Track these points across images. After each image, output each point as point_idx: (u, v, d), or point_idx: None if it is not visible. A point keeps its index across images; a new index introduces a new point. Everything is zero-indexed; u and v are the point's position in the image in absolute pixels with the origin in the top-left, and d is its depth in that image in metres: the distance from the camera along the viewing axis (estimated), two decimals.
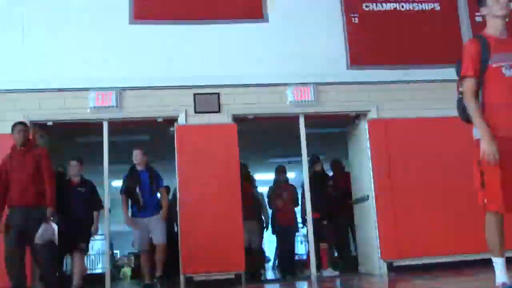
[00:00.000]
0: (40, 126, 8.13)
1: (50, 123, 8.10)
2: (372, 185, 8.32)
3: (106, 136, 8.13)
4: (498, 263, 3.85)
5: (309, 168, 9.00)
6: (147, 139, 9.10)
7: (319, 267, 8.94)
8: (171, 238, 8.37)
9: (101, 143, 8.09)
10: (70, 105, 8.07)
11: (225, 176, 8.00)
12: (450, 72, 8.50)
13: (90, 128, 8.28)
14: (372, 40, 8.77)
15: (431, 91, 8.60)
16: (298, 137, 8.58)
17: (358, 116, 8.76)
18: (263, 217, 9.80)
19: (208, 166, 7.96)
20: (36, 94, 8.05)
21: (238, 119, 8.36)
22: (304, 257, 11.30)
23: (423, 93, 8.61)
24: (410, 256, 8.13)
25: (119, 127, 8.36)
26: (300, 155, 8.63)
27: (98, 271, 17.21)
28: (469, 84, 3.97)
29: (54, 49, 8.12)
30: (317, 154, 9.82)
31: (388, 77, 8.64)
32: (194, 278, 7.77)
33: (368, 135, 8.50)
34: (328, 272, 8.87)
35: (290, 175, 14.28)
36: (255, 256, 9.21)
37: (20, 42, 8.10)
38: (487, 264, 4.12)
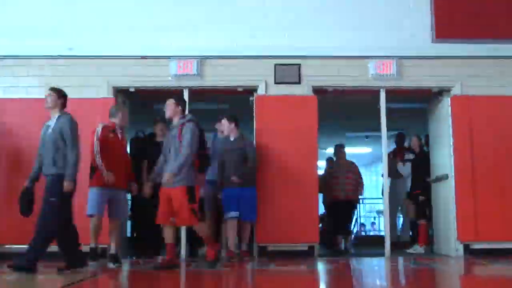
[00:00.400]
0: (123, 92, 8.31)
1: (132, 89, 8.28)
2: (452, 164, 8.10)
3: (187, 103, 8.22)
4: None
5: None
6: (227, 107, 9.15)
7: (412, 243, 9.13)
8: None
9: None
10: (152, 73, 8.21)
11: (303, 147, 7.97)
12: None
13: (171, 95, 8.39)
14: (460, 12, 8.45)
15: None
16: (378, 111, 8.44)
17: (441, 92, 8.51)
18: None
19: (287, 137, 7.95)
20: (119, 61, 8.23)
21: (318, 91, 8.28)
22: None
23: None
24: (488, 240, 7.92)
25: (200, 94, 8.44)
26: (379, 129, 8.51)
27: None
28: None
29: (138, 17, 8.26)
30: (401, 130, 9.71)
31: (475, 51, 8.35)
32: (268, 248, 7.84)
33: (450, 112, 8.25)
34: (421, 249, 8.76)
35: (367, 149, 14.15)
36: None
37: (105, 9, 8.25)
38: None
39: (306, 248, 7.92)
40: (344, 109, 9.76)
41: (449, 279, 6.14)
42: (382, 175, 9.42)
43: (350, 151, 15.23)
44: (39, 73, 8.03)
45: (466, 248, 7.97)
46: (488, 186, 7.92)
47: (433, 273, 6.51)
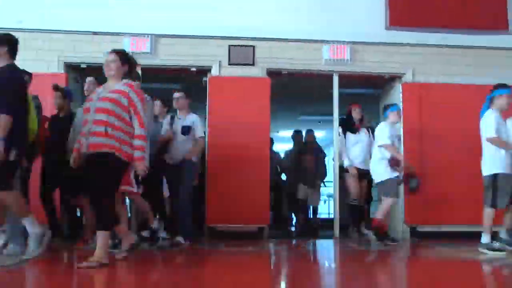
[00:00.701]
0: (74, 68, 8.16)
1: (84, 66, 8.12)
2: (402, 150, 8.24)
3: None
4: None
5: None
6: (179, 87, 9.06)
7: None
8: None
9: None
10: (105, 49, 8.01)
11: (255, 129, 7.99)
12: (491, 39, 8.51)
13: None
14: (414, 1, 8.57)
15: (471, 57, 8.49)
16: (331, 96, 8.51)
17: (393, 78, 8.65)
18: None
19: (239, 118, 7.95)
20: (71, 36, 8.08)
21: (272, 74, 8.30)
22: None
23: (462, 59, 8.48)
24: (434, 223, 8.11)
25: (152, 74, 8.33)
26: (332, 114, 8.59)
27: None
28: None
29: None
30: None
31: (427, 40, 8.52)
32: (217, 228, 7.85)
33: (401, 99, 8.38)
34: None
35: (320, 133, 14.19)
36: None
37: None
38: None
39: (256, 230, 7.97)
40: (298, 92, 9.80)
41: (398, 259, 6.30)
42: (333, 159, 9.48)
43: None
44: None
45: (413, 231, 8.16)
46: (435, 171, 8.10)
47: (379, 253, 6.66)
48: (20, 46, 7.70)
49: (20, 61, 7.52)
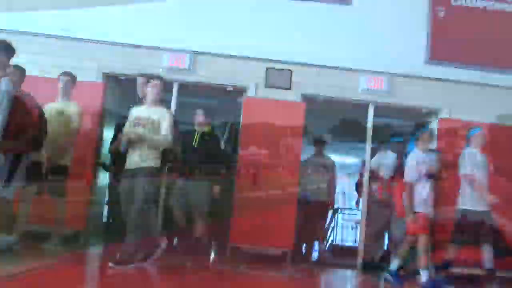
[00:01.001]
0: (112, 79, 8.28)
1: (122, 77, 8.24)
2: None
3: (175, 97, 8.21)
4: None
5: None
6: (215, 105, 9.15)
7: None
8: None
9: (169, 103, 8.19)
10: (144, 62, 8.16)
11: (287, 152, 7.98)
12: None
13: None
14: (456, 37, 8.51)
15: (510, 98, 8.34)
16: (365, 124, 8.47)
17: (429, 112, 8.55)
18: None
19: (271, 141, 7.98)
20: (111, 48, 8.19)
21: (307, 99, 8.30)
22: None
23: (501, 98, 8.33)
24: None
25: (189, 89, 8.42)
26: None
27: None
28: None
29: (134, 6, 8.21)
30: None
31: (466, 77, 8.40)
32: (240, 249, 7.82)
33: (437, 134, 8.28)
34: None
35: (352, 160, 14.02)
36: None
37: None
38: None
39: (279, 253, 7.92)
40: (331, 119, 9.75)
41: None
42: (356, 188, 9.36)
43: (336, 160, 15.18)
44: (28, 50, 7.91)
45: None
46: None
47: None
48: (62, 53, 8.03)
49: (60, 68, 7.77)
